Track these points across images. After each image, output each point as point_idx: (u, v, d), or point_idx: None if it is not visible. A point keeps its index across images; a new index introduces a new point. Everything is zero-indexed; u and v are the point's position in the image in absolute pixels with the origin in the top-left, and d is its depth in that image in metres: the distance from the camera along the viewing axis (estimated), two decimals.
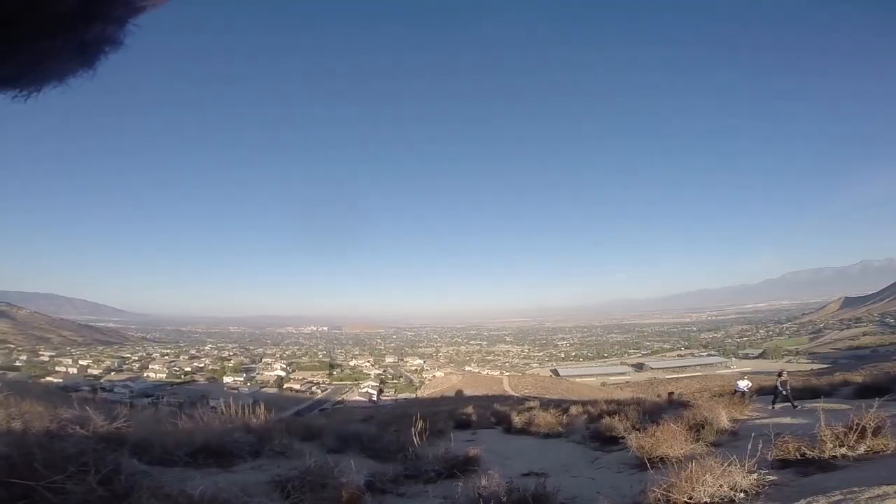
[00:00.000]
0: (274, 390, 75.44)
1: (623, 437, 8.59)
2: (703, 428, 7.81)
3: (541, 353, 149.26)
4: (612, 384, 78.53)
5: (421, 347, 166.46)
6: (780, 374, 12.41)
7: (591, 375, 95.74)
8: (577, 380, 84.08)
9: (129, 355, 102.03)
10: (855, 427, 5.04)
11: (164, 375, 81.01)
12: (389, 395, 77.84)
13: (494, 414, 18.37)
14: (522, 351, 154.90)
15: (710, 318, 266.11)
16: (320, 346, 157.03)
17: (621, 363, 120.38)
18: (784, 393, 11.63)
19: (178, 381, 77.50)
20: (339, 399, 70.11)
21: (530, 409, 17.87)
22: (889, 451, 4.93)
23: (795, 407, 10.82)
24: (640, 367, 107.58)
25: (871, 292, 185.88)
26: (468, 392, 51.30)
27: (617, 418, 10.75)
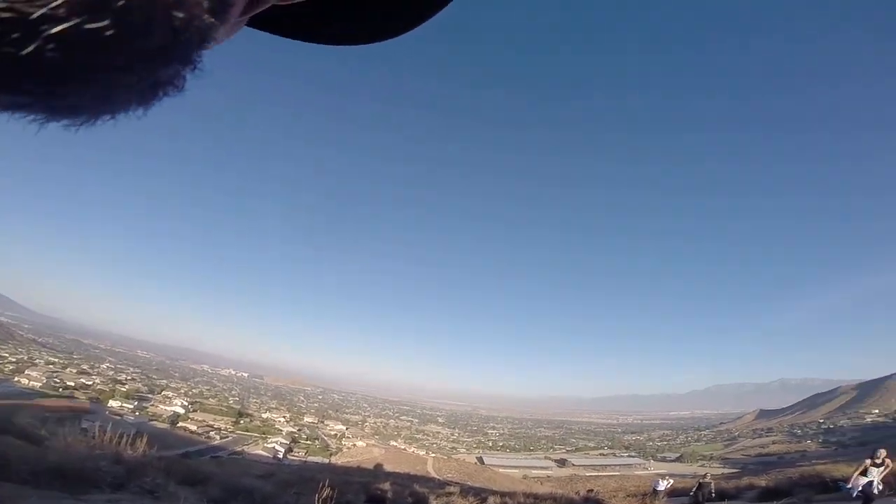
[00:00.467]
0: (165, 426, 68.19)
1: None
2: None
3: (470, 439, 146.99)
4: (534, 478, 76.87)
5: (347, 413, 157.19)
6: (703, 477, 12.55)
7: (515, 467, 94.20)
8: (501, 470, 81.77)
9: (6, 355, 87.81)
10: None
11: (40, 385, 70.44)
12: (299, 455, 71.27)
13: (412, 494, 17.43)
14: (452, 434, 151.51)
15: (635, 421, 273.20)
16: (234, 392, 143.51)
17: (545, 457, 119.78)
18: (712, 494, 11.68)
19: (54, 394, 67.44)
20: (239, 449, 63.44)
21: (449, 494, 17.16)
22: None
23: None
24: (562, 462, 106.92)
25: (785, 406, 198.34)
26: (389, 468, 48.48)
27: None
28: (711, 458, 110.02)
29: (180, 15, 0.40)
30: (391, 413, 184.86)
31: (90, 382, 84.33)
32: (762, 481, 13.49)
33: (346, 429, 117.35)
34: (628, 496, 14.38)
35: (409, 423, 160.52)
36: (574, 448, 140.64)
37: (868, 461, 8.04)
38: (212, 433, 73.79)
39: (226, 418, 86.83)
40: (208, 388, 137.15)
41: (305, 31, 0.36)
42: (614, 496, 15.38)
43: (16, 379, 70.46)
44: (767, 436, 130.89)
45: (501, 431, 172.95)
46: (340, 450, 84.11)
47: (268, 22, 0.34)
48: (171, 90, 0.36)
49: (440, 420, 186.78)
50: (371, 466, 47.60)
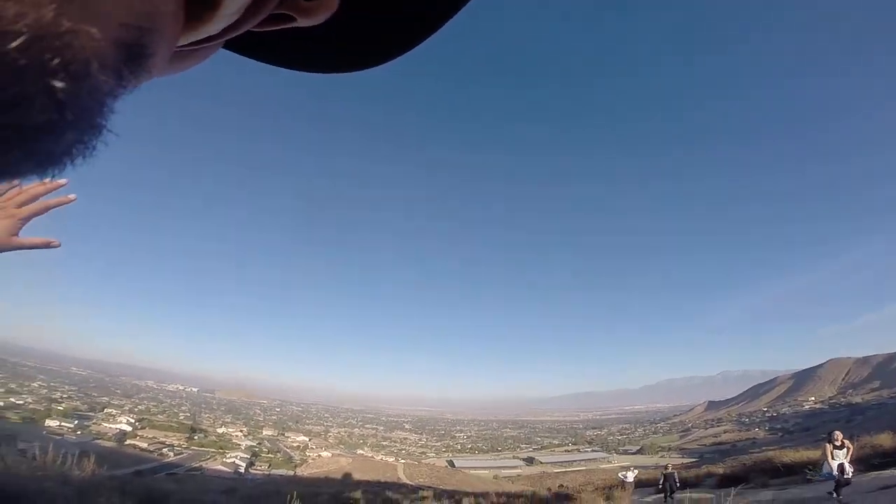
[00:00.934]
0: (112, 444, 63.76)
1: None
2: None
3: (438, 444, 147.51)
4: (504, 477, 77.76)
5: (308, 424, 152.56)
6: (666, 468, 12.59)
7: (485, 468, 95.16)
8: (472, 471, 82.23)
9: None
10: None
11: None
12: (261, 469, 68.30)
13: (385, 501, 17.43)
14: (420, 439, 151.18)
15: (595, 417, 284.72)
16: (184, 407, 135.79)
17: (513, 457, 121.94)
18: (676, 484, 11.71)
19: None
20: (196, 465, 60.05)
21: (423, 498, 17.16)
22: None
23: (671, 500, 11.11)
24: (530, 461, 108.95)
25: (730, 397, 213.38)
26: (358, 476, 47.59)
27: None
28: (669, 448, 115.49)
29: (62, 85, 0.33)
30: (355, 422, 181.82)
31: (21, 402, 77.67)
32: (720, 469, 14.20)
33: (309, 440, 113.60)
34: (597, 489, 14.69)
35: (374, 431, 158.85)
36: (540, 446, 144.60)
37: (829, 445, 8.05)
38: (164, 450, 69.45)
39: (178, 434, 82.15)
40: (155, 404, 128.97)
41: (282, 58, 0.33)
42: (583, 490, 15.74)
43: None
44: (719, 425, 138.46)
45: (469, 434, 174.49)
46: (305, 461, 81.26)
47: (244, 47, 0.32)
48: (73, 157, 0.33)
49: (407, 426, 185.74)
50: (339, 476, 46.45)
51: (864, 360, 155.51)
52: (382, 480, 43.12)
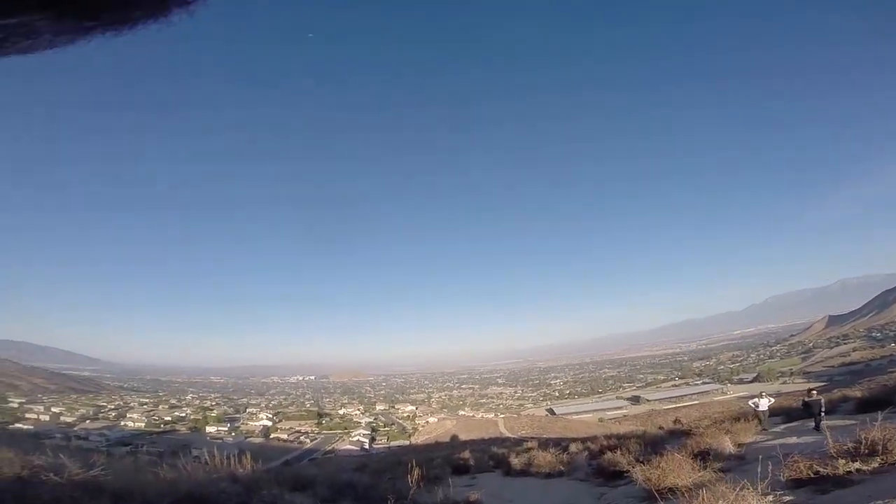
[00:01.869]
0: (260, 440, 72.40)
1: (628, 471, 8.36)
2: (709, 455, 7.66)
3: (534, 394, 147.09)
4: (610, 419, 76.96)
5: (412, 394, 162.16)
6: (809, 392, 11.07)
7: (588, 412, 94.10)
8: (574, 417, 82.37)
9: (104, 404, 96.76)
10: (865, 441, 4.95)
11: (143, 424, 77.10)
12: (382, 442, 74.81)
13: (492, 457, 17.86)
14: (516, 392, 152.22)
15: (699, 346, 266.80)
16: (307, 396, 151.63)
17: (616, 397, 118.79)
18: (822, 412, 10.32)
19: (158, 430, 73.90)
20: (330, 448, 67.19)
21: (529, 449, 17.42)
22: None
23: (818, 429, 9.64)
24: (636, 399, 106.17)
25: (852, 309, 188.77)
26: (463, 436, 49.85)
27: (619, 452, 10.49)
28: (791, 373, 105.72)
29: None
30: (452, 384, 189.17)
31: (183, 414, 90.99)
32: (856, 392, 12.74)
33: (416, 408, 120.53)
34: (715, 422, 14.04)
35: (471, 391, 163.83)
36: (644, 383, 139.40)
37: None
38: (302, 438, 78.39)
39: (309, 422, 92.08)
40: (284, 397, 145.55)
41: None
42: (700, 424, 15.21)
43: (122, 423, 77.30)
44: (845, 343, 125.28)
45: (565, 380, 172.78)
46: (416, 429, 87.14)
47: None
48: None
49: (500, 381, 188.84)
50: (448, 439, 49.38)
51: None
52: (486, 437, 45.03)
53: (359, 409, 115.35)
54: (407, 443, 65.56)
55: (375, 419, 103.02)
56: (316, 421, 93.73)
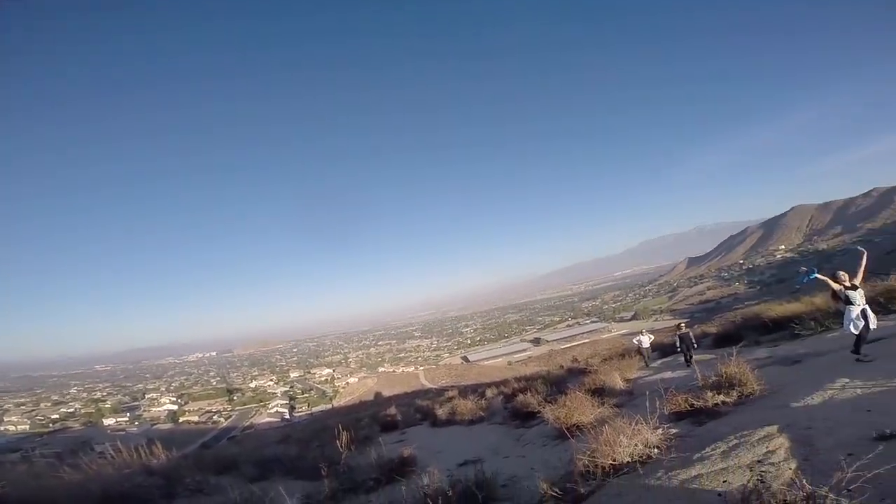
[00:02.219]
0: (168, 426, 68.25)
1: (539, 412, 9.27)
2: (604, 391, 8.77)
3: (449, 343, 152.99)
4: (517, 361, 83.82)
5: (327, 357, 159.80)
6: (679, 328, 11.84)
7: (498, 356, 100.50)
8: (487, 363, 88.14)
9: None
10: (725, 375, 6.02)
11: (27, 426, 68.47)
12: (303, 410, 73.90)
13: (418, 410, 18.58)
14: (432, 343, 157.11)
15: (587, 288, 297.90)
16: (211, 373, 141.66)
17: (521, 340, 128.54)
18: (694, 345, 11.41)
19: (47, 430, 65.38)
20: (248, 424, 64.84)
21: (451, 399, 18.36)
22: (757, 395, 5.82)
23: (689, 363, 10.83)
24: (537, 341, 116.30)
25: (707, 251, 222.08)
26: (387, 393, 50.89)
27: (529, 394, 11.43)
28: (661, 311, 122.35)
29: None
30: (369, 342, 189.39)
31: (72, 409, 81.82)
32: (712, 328, 15.19)
33: (333, 370, 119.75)
34: (605, 360, 15.92)
35: (388, 346, 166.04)
36: (543, 325, 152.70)
37: (836, 285, 6.41)
38: (215, 417, 74.40)
39: (219, 400, 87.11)
40: (185, 377, 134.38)
41: None
42: (593, 362, 17.26)
43: (2, 428, 67.19)
44: (701, 282, 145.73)
45: (475, 327, 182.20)
46: (337, 392, 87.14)
47: None
48: None
49: (416, 333, 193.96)
50: (371, 397, 50.13)
51: (825, 206, 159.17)
52: (409, 391, 46.43)
53: (272, 380, 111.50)
54: (329, 407, 65.47)
55: (291, 387, 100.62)
56: (226, 398, 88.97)
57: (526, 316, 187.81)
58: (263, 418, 67.78)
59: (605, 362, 14.36)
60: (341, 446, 8.76)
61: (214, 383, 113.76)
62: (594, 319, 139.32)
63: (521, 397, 11.66)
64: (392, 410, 21.06)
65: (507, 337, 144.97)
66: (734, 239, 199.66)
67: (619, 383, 9.36)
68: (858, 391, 4.78)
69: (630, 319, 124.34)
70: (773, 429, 4.16)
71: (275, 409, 73.67)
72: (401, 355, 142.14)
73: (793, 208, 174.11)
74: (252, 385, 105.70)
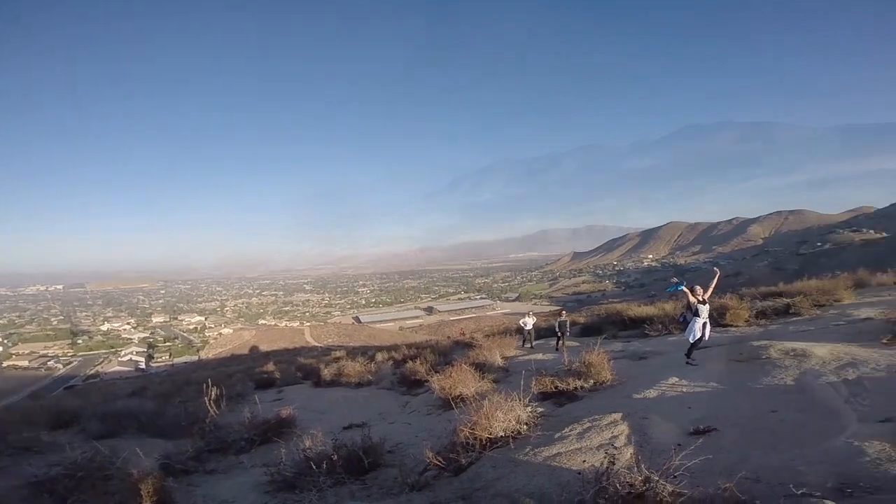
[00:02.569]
0: None
1: (426, 380, 9.55)
2: (485, 367, 9.32)
3: (342, 301, 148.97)
4: (409, 328, 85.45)
5: (201, 302, 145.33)
6: (560, 314, 12.82)
7: (390, 320, 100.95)
8: (378, 325, 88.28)
9: None
10: (585, 362, 6.83)
11: None
12: (163, 360, 66.99)
13: (300, 368, 17.97)
14: (323, 300, 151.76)
15: (483, 265, 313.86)
16: (53, 311, 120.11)
17: (415, 307, 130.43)
18: (567, 332, 12.39)
19: None
20: (92, 372, 56.99)
21: (338, 359, 18.03)
22: (608, 384, 6.64)
23: (558, 348, 11.97)
24: (429, 310, 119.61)
25: (591, 249, 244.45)
26: (265, 348, 48.41)
27: (418, 362, 11.76)
28: (540, 296, 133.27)
29: None
30: (251, 291, 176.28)
31: None
32: (581, 318, 17.10)
33: (206, 318, 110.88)
34: (488, 336, 16.89)
35: (273, 298, 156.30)
36: (437, 295, 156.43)
37: (692, 297, 7.21)
38: (51, 363, 63.82)
39: (59, 343, 74.82)
40: (17, 314, 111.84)
41: None
42: (477, 337, 18.22)
43: None
44: (579, 276, 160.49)
45: (372, 288, 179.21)
46: (207, 342, 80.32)
47: None
48: None
49: (307, 287, 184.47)
50: (246, 351, 47.24)
51: (694, 226, 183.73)
52: (292, 348, 44.67)
53: (129, 324, 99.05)
54: (196, 359, 60.27)
55: (152, 334, 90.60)
56: (69, 341, 76.75)
57: (423, 284, 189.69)
58: (113, 367, 60.30)
59: (488, 338, 15.09)
60: (209, 403, 8.07)
61: (55, 322, 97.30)
62: (483, 296, 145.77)
63: (410, 364, 11.91)
64: (269, 366, 20.02)
65: (403, 302, 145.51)
66: (614, 242, 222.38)
67: (498, 360, 10.02)
68: (684, 389, 5.79)
69: (514, 300, 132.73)
70: (618, 416, 4.83)
71: (128, 358, 65.76)
72: (286, 308, 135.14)
73: (668, 223, 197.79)
74: (103, 328, 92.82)
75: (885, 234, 60.48)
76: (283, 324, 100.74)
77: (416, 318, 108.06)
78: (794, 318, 9.78)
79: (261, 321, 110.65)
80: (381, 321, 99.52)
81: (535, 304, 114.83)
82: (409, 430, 6.72)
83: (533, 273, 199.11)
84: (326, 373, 13.90)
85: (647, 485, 2.74)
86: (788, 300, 10.61)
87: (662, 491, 2.77)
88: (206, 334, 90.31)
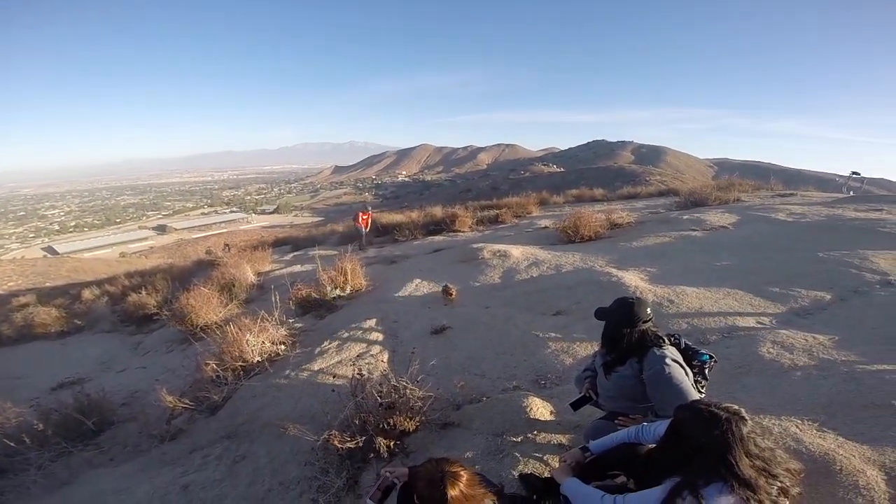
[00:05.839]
0: None
1: (158, 313, 8.12)
2: (234, 286, 8.17)
3: (21, 229, 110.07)
4: (135, 253, 69.48)
5: None
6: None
7: (105, 246, 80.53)
8: (87, 255, 68.34)
9: None
10: (341, 270, 6.85)
11: None
12: None
13: None
14: None
15: (231, 177, 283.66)
16: None
17: (140, 227, 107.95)
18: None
19: None
20: None
21: (24, 306, 13.51)
22: (364, 290, 6.74)
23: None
24: (162, 229, 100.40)
25: (352, 164, 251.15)
26: None
27: (145, 293, 9.94)
28: (301, 208, 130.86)
29: None
30: None
31: None
32: (340, 227, 17.15)
33: None
34: (241, 251, 14.97)
35: None
36: (171, 211, 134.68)
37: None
38: None
39: None
40: None
41: None
42: (227, 254, 16.09)
43: None
44: (340, 188, 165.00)
45: (68, 210, 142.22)
46: None
47: None
48: None
49: None
50: None
51: (440, 150, 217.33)
52: None
53: None
54: None
55: None
56: None
57: (149, 200, 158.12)
58: None
59: (239, 254, 13.42)
60: None
61: None
62: (234, 209, 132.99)
63: (134, 297, 9.97)
64: None
65: (120, 223, 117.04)
66: (374, 158, 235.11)
67: (250, 277, 8.91)
68: (425, 290, 6.42)
69: (272, 213, 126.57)
70: (373, 322, 5.02)
71: None
72: None
73: (421, 145, 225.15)
74: None
75: (563, 169, 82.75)
76: None
77: (144, 239, 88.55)
78: (501, 226, 12.41)
79: None
80: (89, 248, 77.18)
81: (295, 215, 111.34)
82: (145, 374, 5.78)
83: (292, 185, 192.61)
84: (7, 327, 10.30)
85: (399, 393, 2.91)
86: (497, 211, 13.58)
87: (412, 396, 2.91)
88: None
